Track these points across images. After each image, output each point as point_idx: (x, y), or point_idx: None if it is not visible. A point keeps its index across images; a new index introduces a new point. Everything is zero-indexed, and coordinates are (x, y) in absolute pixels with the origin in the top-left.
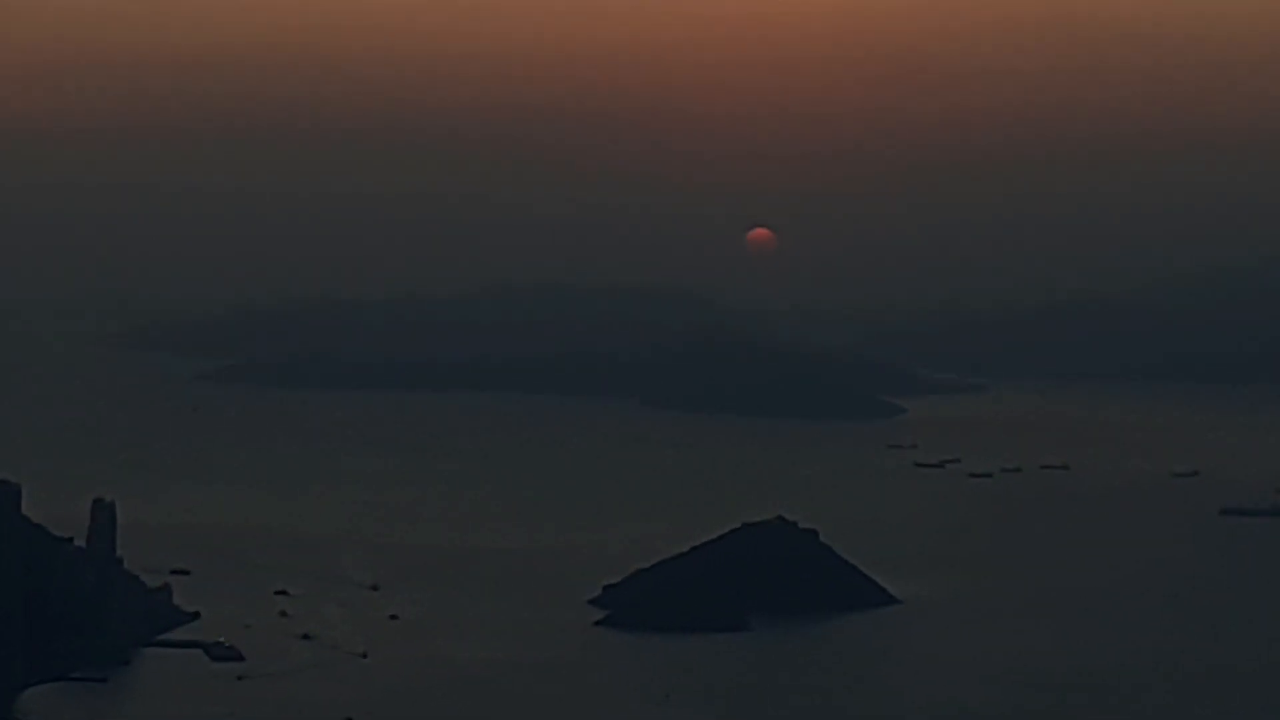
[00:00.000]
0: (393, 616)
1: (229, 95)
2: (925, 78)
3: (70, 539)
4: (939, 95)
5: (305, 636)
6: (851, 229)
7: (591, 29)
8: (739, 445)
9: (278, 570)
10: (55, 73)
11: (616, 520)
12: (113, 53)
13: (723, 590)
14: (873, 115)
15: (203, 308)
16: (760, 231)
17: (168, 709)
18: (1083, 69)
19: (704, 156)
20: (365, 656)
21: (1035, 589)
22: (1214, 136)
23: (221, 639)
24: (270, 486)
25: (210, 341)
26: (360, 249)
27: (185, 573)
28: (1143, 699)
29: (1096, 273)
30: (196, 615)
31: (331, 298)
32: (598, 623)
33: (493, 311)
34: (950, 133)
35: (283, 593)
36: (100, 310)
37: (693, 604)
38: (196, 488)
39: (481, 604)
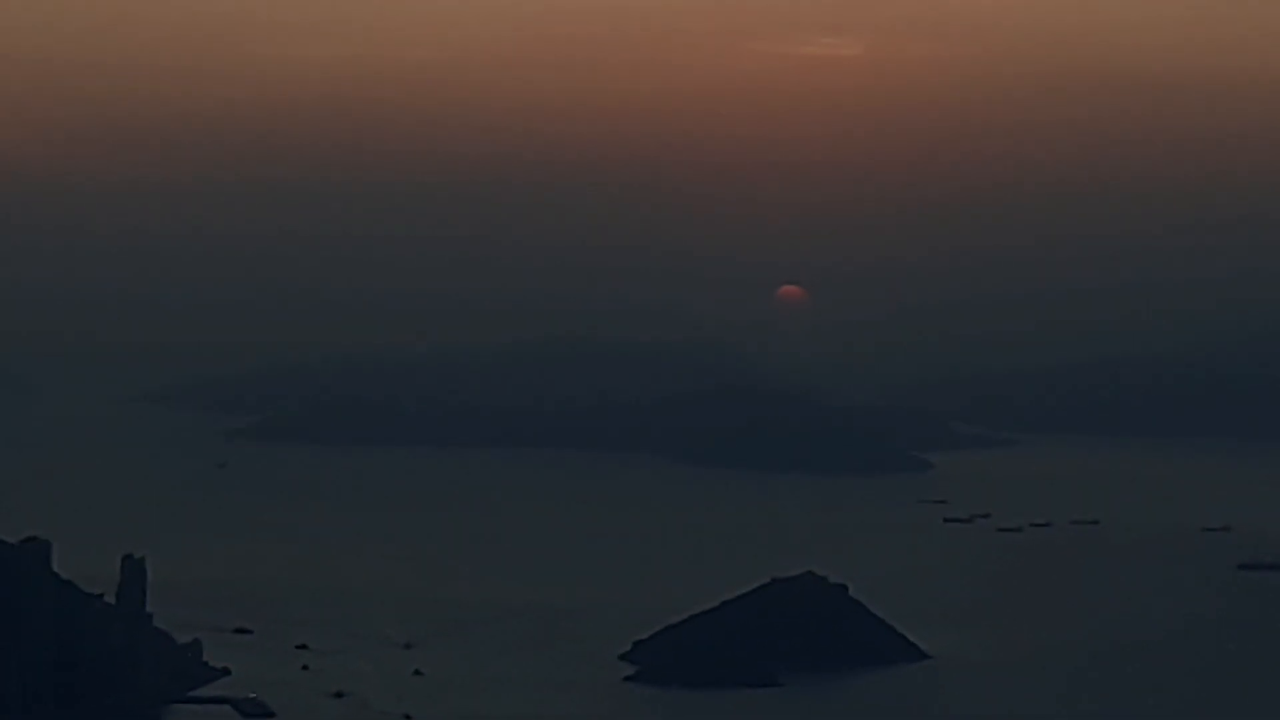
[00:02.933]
0: (417, 672)
1: (256, 144)
2: (959, 130)
3: (100, 595)
4: (972, 148)
5: (338, 694)
6: (881, 283)
7: (627, 81)
8: (768, 500)
9: (308, 626)
10: (83, 124)
11: (646, 575)
12: (139, 102)
13: (753, 645)
14: (903, 169)
15: (233, 363)
16: (791, 289)
17: None
18: (1123, 119)
19: (735, 210)
20: (409, 718)
21: (1065, 644)
22: (1249, 192)
23: (252, 695)
24: (301, 542)
25: (240, 397)
26: (389, 301)
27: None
28: None
29: (1126, 329)
30: (226, 671)
31: (359, 352)
32: (628, 678)
33: (519, 365)
34: (980, 188)
35: (304, 646)
36: (130, 366)
37: (723, 659)
38: (227, 544)
39: (511, 660)
